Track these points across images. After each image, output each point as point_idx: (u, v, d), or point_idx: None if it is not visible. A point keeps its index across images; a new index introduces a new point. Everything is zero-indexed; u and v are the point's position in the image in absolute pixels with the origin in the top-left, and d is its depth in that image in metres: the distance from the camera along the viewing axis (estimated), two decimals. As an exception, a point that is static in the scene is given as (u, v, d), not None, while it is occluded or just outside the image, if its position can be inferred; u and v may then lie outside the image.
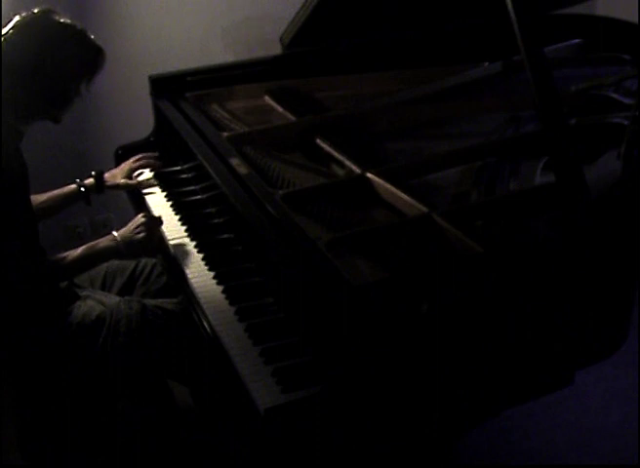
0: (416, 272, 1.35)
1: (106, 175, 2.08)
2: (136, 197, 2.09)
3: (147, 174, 2.12)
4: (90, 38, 1.74)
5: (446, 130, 1.97)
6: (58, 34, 1.68)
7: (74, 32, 1.71)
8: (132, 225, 1.75)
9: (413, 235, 1.45)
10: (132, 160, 2.13)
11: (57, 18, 1.69)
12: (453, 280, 1.30)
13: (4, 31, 1.65)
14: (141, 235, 1.73)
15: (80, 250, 1.72)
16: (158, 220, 1.81)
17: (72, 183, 2.04)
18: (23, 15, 1.67)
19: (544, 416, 2.07)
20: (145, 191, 2.07)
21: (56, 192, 2.02)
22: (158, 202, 2.01)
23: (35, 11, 1.68)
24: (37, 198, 1.93)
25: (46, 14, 1.69)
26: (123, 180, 2.07)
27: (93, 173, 2.05)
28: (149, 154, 2.15)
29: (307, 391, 1.29)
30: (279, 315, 1.50)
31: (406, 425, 1.23)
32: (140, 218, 1.76)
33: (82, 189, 2.03)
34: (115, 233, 1.75)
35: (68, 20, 1.71)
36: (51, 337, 1.68)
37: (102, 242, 1.73)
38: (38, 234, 1.75)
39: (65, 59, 1.68)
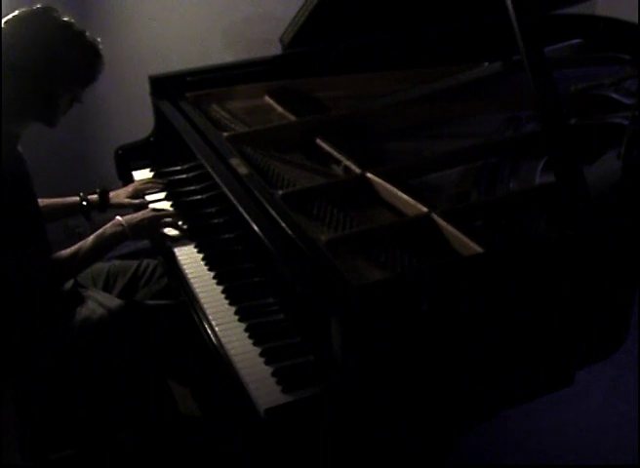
0: (416, 272, 1.36)
1: (111, 194, 2.04)
2: (139, 208, 2.05)
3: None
4: (89, 41, 1.68)
5: (446, 130, 1.97)
6: (55, 34, 1.62)
7: (73, 33, 1.65)
8: (138, 214, 1.80)
9: (413, 235, 1.45)
10: (138, 181, 2.09)
11: (56, 16, 1.64)
12: (453, 280, 1.31)
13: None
14: (146, 224, 1.77)
15: (90, 239, 1.73)
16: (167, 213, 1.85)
17: (76, 194, 2.02)
18: (22, 10, 1.62)
19: (544, 416, 2.08)
20: (150, 198, 2.04)
21: (57, 200, 1.99)
22: (158, 203, 2.01)
23: (34, 7, 1.63)
24: None
25: (46, 11, 1.64)
26: (127, 200, 2.03)
27: (97, 190, 2.03)
28: (157, 180, 2.10)
29: (307, 391, 1.29)
30: (279, 315, 1.50)
31: (406, 425, 1.23)
32: (148, 211, 1.82)
33: (84, 203, 2.00)
34: (120, 218, 1.77)
35: (68, 20, 1.65)
36: (52, 338, 1.68)
37: (109, 228, 1.75)
38: (46, 235, 1.74)
39: (61, 61, 1.62)
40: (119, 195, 2.05)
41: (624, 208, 1.48)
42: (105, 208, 2.04)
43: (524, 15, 1.35)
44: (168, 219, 1.81)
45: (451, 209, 1.53)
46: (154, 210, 1.85)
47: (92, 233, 1.77)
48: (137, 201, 2.03)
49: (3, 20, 1.61)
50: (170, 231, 1.81)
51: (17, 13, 1.62)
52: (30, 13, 1.63)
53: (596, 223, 1.37)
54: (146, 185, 2.06)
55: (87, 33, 1.68)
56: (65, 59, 1.64)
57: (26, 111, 1.67)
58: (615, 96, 1.98)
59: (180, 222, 1.82)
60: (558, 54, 2.38)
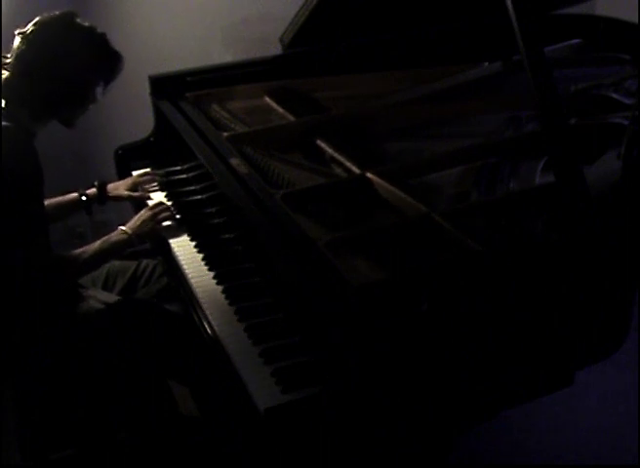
0: (416, 272, 1.36)
1: (109, 186, 2.05)
2: (138, 204, 2.06)
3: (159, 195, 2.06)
4: (109, 44, 1.74)
5: (446, 130, 1.97)
6: (76, 37, 1.68)
7: (94, 37, 1.71)
8: (139, 218, 1.80)
9: (413, 235, 1.45)
10: (136, 175, 2.10)
11: (78, 21, 1.69)
12: (453, 280, 1.30)
13: (25, 30, 1.64)
14: (150, 226, 1.79)
15: (97, 243, 1.74)
16: (163, 207, 1.85)
17: (74, 191, 2.02)
18: (45, 15, 1.67)
19: (544, 416, 2.07)
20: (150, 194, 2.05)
21: (57, 200, 1.99)
22: (156, 197, 2.01)
23: (57, 12, 1.68)
24: None
25: (67, 16, 1.68)
26: (126, 192, 2.04)
27: (95, 183, 2.04)
28: (155, 172, 2.11)
29: (307, 391, 1.29)
30: (279, 315, 1.50)
31: (406, 425, 1.23)
32: (145, 211, 1.82)
33: (83, 198, 2.01)
34: (124, 227, 1.78)
35: (89, 24, 1.71)
36: (52, 337, 1.68)
37: (114, 236, 1.77)
38: (49, 236, 1.74)
39: (82, 63, 1.68)
40: (118, 187, 2.06)
41: (624, 208, 1.48)
42: (105, 200, 2.05)
43: (524, 15, 1.35)
44: (166, 214, 1.83)
45: (451, 209, 1.53)
46: (151, 208, 1.85)
47: (92, 232, 1.77)
48: (136, 194, 2.04)
49: (29, 25, 1.65)
50: (169, 227, 1.82)
51: (40, 18, 1.66)
52: (52, 17, 1.67)
53: (596, 223, 1.37)
54: (145, 178, 2.07)
55: (107, 36, 1.74)
56: (90, 63, 1.70)
57: (48, 111, 1.71)
58: (615, 96, 1.98)
59: (177, 216, 1.83)
60: (558, 54, 2.38)
